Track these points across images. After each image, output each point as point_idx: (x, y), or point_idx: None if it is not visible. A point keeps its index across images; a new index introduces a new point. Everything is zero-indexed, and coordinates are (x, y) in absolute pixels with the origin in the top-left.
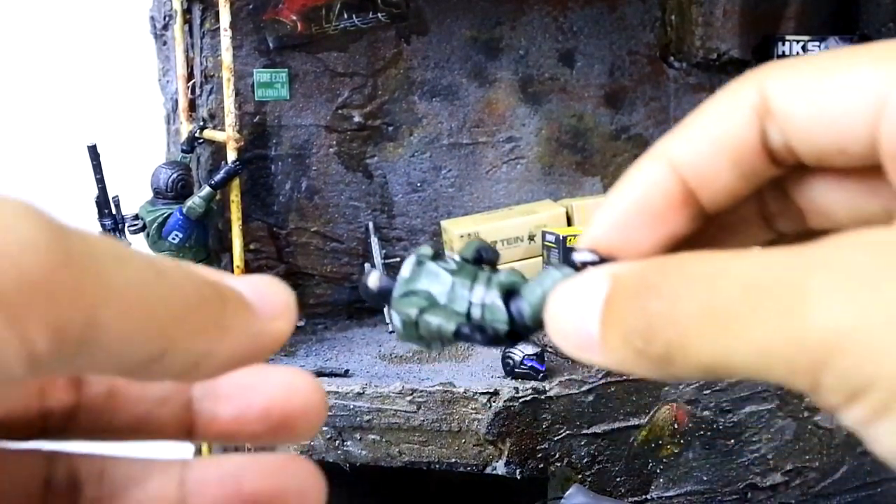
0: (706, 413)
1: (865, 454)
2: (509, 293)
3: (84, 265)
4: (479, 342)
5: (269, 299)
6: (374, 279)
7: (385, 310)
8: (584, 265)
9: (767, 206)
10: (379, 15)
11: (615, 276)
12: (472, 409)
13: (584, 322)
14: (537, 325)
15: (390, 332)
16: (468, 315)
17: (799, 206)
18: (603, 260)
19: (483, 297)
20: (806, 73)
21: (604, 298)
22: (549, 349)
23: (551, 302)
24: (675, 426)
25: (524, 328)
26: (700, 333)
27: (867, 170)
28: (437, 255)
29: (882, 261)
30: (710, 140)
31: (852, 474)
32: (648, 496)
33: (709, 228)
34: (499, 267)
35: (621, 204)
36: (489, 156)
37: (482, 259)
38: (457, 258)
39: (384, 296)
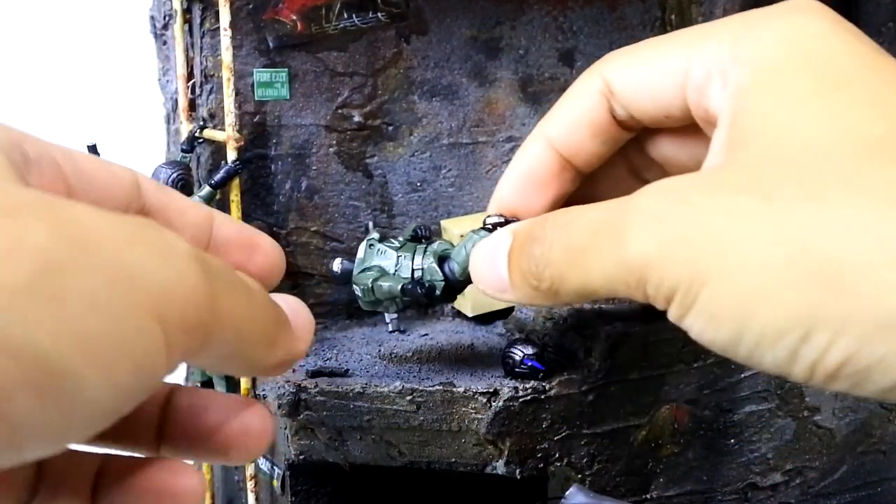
0: (706, 413)
1: (866, 454)
2: (442, 258)
3: (215, 291)
4: (422, 296)
5: (301, 324)
6: (337, 264)
7: (353, 286)
8: (495, 226)
9: (633, 162)
10: (379, 14)
11: (514, 232)
12: (472, 408)
13: (497, 270)
14: (466, 279)
15: (390, 332)
16: (413, 278)
17: (655, 160)
18: (507, 221)
19: (422, 263)
20: (634, 58)
21: (507, 250)
22: (549, 349)
23: (473, 256)
24: (676, 426)
25: (456, 283)
26: (567, 268)
27: (692, 127)
28: (384, 238)
29: (669, 201)
30: (572, 118)
31: (852, 474)
32: (648, 496)
33: (592, 186)
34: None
35: (515, 175)
36: (489, 155)
37: (419, 236)
38: (400, 238)
39: (347, 275)
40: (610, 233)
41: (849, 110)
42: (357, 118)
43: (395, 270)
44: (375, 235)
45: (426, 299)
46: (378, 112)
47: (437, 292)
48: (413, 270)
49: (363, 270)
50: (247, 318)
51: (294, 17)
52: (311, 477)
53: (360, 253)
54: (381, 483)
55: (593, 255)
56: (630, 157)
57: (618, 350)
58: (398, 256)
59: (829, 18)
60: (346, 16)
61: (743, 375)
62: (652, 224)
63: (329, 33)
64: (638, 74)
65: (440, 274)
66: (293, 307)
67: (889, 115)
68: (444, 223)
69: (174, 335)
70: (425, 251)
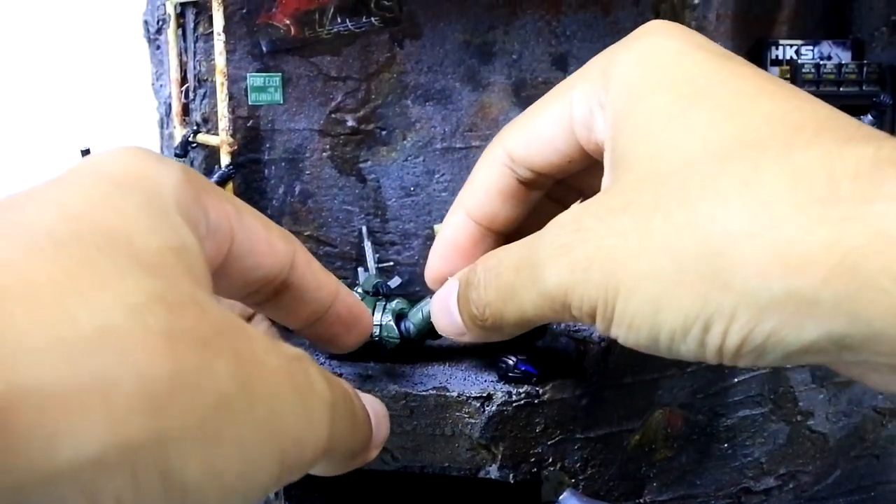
0: (700, 417)
1: (859, 458)
2: (399, 316)
3: (335, 433)
4: (375, 357)
5: (379, 433)
6: None
7: None
8: None
9: (562, 200)
10: (372, 19)
11: (459, 279)
12: (465, 413)
13: (452, 316)
14: (421, 339)
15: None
16: (371, 333)
17: (582, 192)
18: None
19: (381, 319)
20: (524, 119)
21: (454, 298)
22: (542, 353)
23: (432, 306)
24: (669, 430)
25: (411, 342)
26: (503, 305)
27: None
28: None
29: (570, 230)
30: (483, 191)
31: (846, 478)
32: (642, 500)
33: (533, 221)
34: (393, 295)
35: (442, 246)
36: None
37: (379, 292)
38: (360, 291)
39: None
40: (529, 269)
41: (701, 121)
42: (350, 122)
43: None
44: None
45: (383, 359)
46: (371, 116)
47: (392, 349)
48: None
49: None
50: (348, 445)
51: (287, 22)
52: (305, 482)
53: None
54: (374, 488)
55: (520, 291)
56: (558, 195)
57: (611, 354)
58: None
59: (682, 37)
60: (339, 20)
61: (736, 380)
62: (560, 254)
63: (322, 38)
64: (530, 135)
65: (396, 332)
66: (378, 416)
67: (737, 120)
68: (437, 227)
69: (288, 473)
70: (384, 308)
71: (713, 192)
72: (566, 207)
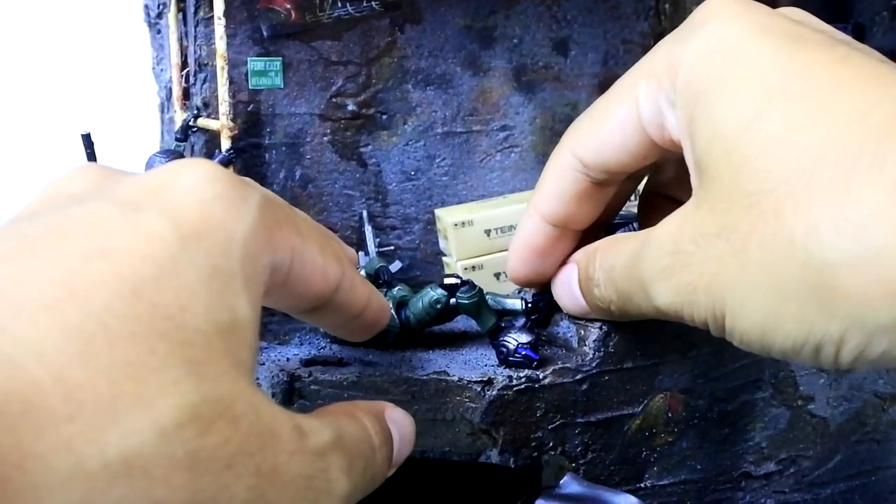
0: (700, 402)
1: (860, 443)
2: (400, 304)
3: (355, 491)
4: (377, 345)
5: (399, 458)
6: None
7: None
8: (451, 286)
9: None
10: (373, 3)
11: (577, 263)
12: (466, 397)
13: (576, 300)
14: (420, 328)
15: None
16: None
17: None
18: (465, 282)
19: None
20: (591, 123)
21: (575, 283)
22: (543, 337)
23: (554, 287)
24: (669, 415)
25: (411, 330)
26: (623, 305)
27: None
28: None
29: (669, 253)
30: (558, 197)
31: (847, 463)
32: (642, 485)
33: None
34: (395, 280)
35: (520, 249)
36: (483, 144)
37: (381, 278)
38: (363, 274)
39: None
40: (638, 283)
41: (781, 126)
42: (351, 107)
43: None
44: None
45: (383, 347)
46: (372, 101)
47: (391, 339)
48: None
49: None
50: (363, 495)
51: (288, 6)
52: None
53: None
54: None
55: (636, 300)
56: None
57: (611, 339)
58: None
59: (748, 20)
60: (339, 4)
61: (737, 365)
62: (663, 277)
63: (323, 22)
64: (599, 140)
65: (397, 320)
66: (402, 441)
67: (820, 124)
68: (437, 212)
69: None
70: (385, 295)
71: (805, 217)
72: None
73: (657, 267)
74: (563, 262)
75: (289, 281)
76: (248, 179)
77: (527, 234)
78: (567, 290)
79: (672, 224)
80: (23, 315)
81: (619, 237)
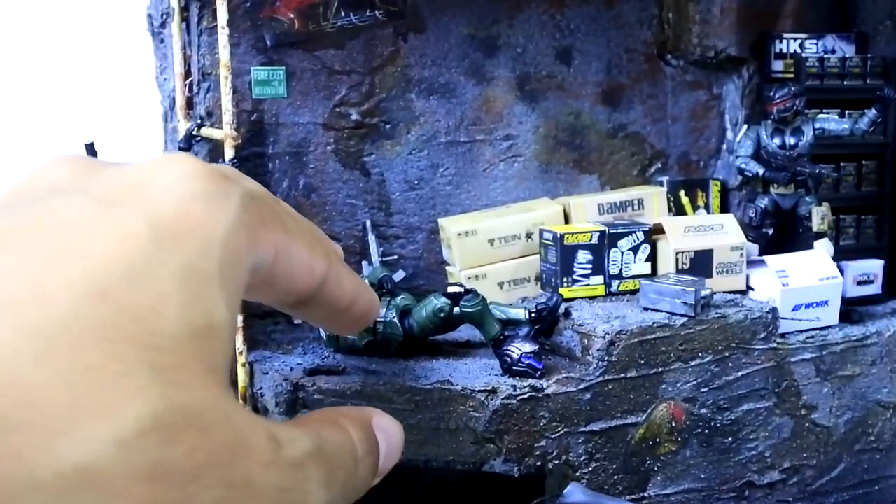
0: (703, 411)
1: (863, 452)
2: (403, 313)
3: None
4: (381, 354)
5: (386, 466)
6: None
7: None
8: (455, 295)
9: None
10: (376, 13)
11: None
12: (469, 406)
13: None
14: (423, 335)
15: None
16: (374, 329)
17: None
18: (468, 291)
19: (385, 316)
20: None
21: None
22: (547, 346)
23: None
24: (673, 424)
25: (414, 338)
26: None
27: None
28: None
29: None
30: None
31: (850, 472)
32: (646, 494)
33: None
34: (398, 289)
35: None
36: (486, 153)
37: (384, 287)
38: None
39: None
40: None
41: None
42: (354, 116)
43: None
44: None
45: (386, 356)
46: (375, 110)
47: (395, 347)
48: (376, 321)
49: None
50: (348, 501)
51: (291, 16)
52: None
53: None
54: (378, 481)
55: None
56: None
57: (615, 348)
58: None
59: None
60: (343, 14)
61: (740, 374)
62: None
63: (326, 31)
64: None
65: (400, 329)
66: (389, 449)
67: None
68: (441, 221)
69: None
70: (389, 304)
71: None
72: None
73: None
74: None
75: (272, 278)
76: (232, 171)
77: None
78: None
79: None
80: None
81: None
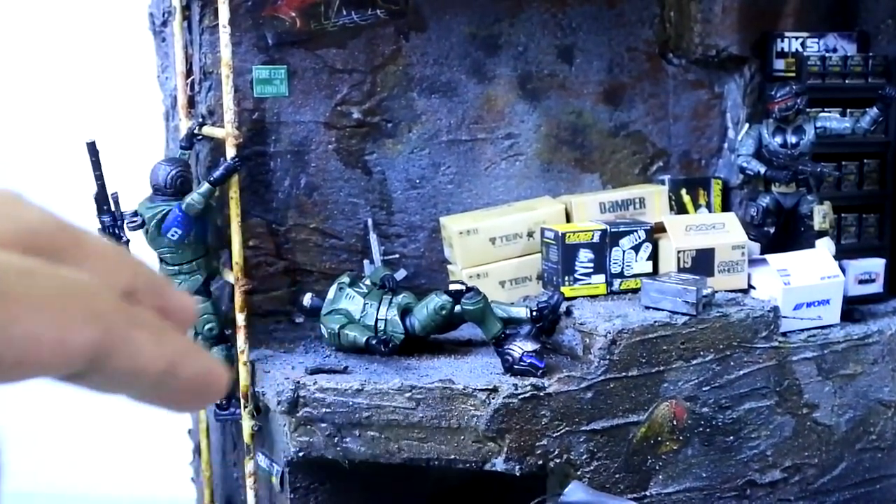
0: (705, 410)
1: (864, 451)
2: (405, 311)
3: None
4: (382, 352)
5: (187, 367)
6: (307, 299)
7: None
8: (457, 293)
9: None
10: (378, 11)
11: None
12: (471, 405)
13: None
14: (425, 334)
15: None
16: (376, 327)
17: None
18: (469, 289)
19: (386, 314)
20: None
21: None
22: (549, 345)
23: None
24: (674, 423)
25: (415, 336)
26: None
27: None
28: (353, 282)
29: None
30: None
31: (851, 471)
32: (647, 492)
33: None
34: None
35: None
36: (488, 152)
37: (386, 285)
38: (368, 282)
39: (315, 311)
40: None
41: None
42: (356, 115)
43: (361, 317)
44: (346, 279)
45: (387, 354)
46: (377, 109)
47: (396, 345)
48: (377, 320)
49: (330, 312)
50: (133, 351)
51: (293, 14)
52: (310, 474)
53: (331, 294)
54: (379, 480)
55: None
56: None
57: (616, 347)
58: (365, 303)
59: None
60: (345, 13)
61: (742, 372)
62: None
63: (328, 30)
64: None
65: (401, 327)
66: (210, 372)
67: None
68: (442, 220)
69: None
70: (390, 302)
71: None
72: None
73: None
74: None
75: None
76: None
77: None
78: None
79: None
80: None
81: None
